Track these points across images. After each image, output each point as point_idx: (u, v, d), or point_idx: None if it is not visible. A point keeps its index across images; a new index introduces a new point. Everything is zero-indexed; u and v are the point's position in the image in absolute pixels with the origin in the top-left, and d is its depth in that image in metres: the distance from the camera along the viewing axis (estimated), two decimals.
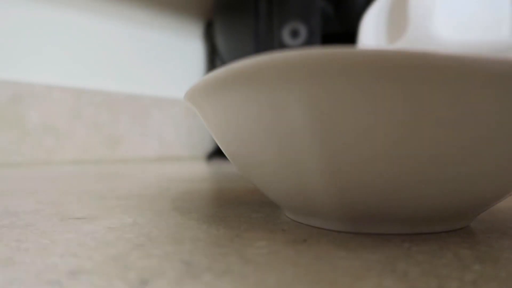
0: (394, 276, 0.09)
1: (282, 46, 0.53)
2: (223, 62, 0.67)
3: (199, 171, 0.43)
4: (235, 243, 0.12)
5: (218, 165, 0.53)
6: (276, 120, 0.12)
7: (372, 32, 0.23)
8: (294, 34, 0.52)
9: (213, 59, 0.74)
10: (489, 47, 0.20)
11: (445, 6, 0.21)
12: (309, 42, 0.51)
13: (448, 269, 0.10)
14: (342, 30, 0.53)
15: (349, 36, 0.54)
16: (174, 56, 0.73)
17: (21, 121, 0.53)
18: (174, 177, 0.35)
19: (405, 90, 0.10)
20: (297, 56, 0.10)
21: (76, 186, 0.27)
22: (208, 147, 0.77)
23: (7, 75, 0.53)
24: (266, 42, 0.54)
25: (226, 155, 0.16)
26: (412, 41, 0.21)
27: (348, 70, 0.10)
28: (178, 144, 0.71)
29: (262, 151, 0.13)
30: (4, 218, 0.16)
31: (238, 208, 0.19)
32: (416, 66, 0.10)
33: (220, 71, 0.12)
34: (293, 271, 0.10)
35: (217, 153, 0.71)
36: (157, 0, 0.70)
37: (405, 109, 0.10)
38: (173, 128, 0.70)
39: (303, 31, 0.51)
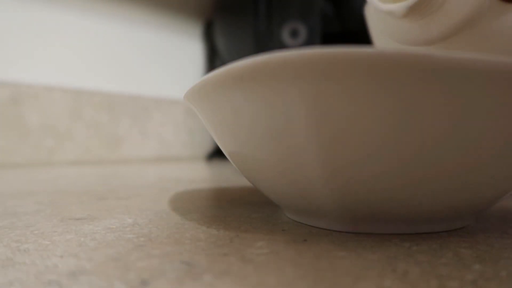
0: (395, 276, 0.09)
1: (282, 46, 0.53)
2: (223, 62, 0.67)
3: (199, 171, 0.43)
4: (235, 243, 0.12)
5: (218, 165, 0.53)
6: (275, 120, 0.12)
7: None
8: (294, 34, 0.52)
9: (213, 59, 0.74)
10: None
11: None
12: (309, 42, 0.51)
13: (448, 268, 0.10)
14: (342, 30, 0.53)
15: (349, 36, 0.54)
16: (173, 57, 0.73)
17: (21, 121, 0.53)
18: (174, 177, 0.35)
19: (403, 90, 0.10)
20: (296, 56, 0.10)
21: (76, 187, 0.27)
22: (208, 147, 0.77)
23: (7, 76, 0.53)
24: (266, 42, 0.54)
25: (225, 155, 0.16)
26: None
27: (348, 70, 0.10)
28: (178, 144, 0.71)
29: (262, 151, 0.13)
30: (4, 219, 0.16)
31: (238, 208, 0.19)
32: (413, 67, 0.10)
33: (219, 71, 0.12)
34: (293, 271, 0.10)
35: (217, 154, 0.71)
36: (157, 0, 0.70)
37: (403, 110, 0.10)
38: (173, 128, 0.70)
39: (303, 31, 0.51)
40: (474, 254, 0.11)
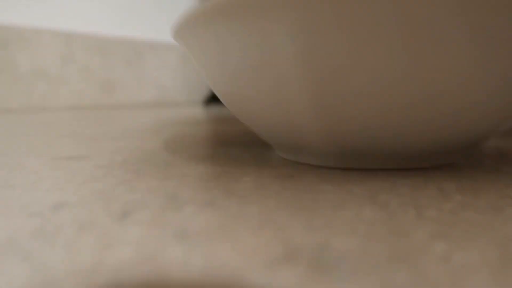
0: (375, 207, 0.09)
1: None
2: None
3: (195, 115, 0.43)
4: (222, 178, 0.12)
5: (215, 110, 0.53)
6: (262, 52, 0.11)
7: None
8: None
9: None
10: None
11: None
12: None
13: (429, 200, 0.10)
14: None
15: None
16: None
17: (10, 66, 0.51)
18: (169, 120, 0.35)
19: (394, 18, 0.09)
20: None
21: (69, 130, 0.27)
22: (205, 92, 0.76)
23: None
24: None
25: (215, 92, 0.16)
26: None
27: None
28: (175, 89, 0.70)
29: (250, 87, 0.13)
30: None
31: (230, 148, 0.19)
32: None
33: (204, 6, 0.11)
34: (275, 202, 0.10)
35: (214, 99, 0.70)
36: None
37: (388, 37, 0.10)
38: (169, 73, 0.69)
39: None
40: (457, 187, 0.11)
